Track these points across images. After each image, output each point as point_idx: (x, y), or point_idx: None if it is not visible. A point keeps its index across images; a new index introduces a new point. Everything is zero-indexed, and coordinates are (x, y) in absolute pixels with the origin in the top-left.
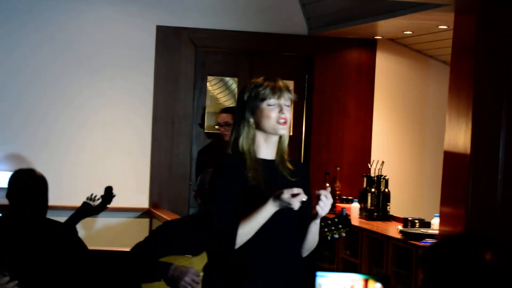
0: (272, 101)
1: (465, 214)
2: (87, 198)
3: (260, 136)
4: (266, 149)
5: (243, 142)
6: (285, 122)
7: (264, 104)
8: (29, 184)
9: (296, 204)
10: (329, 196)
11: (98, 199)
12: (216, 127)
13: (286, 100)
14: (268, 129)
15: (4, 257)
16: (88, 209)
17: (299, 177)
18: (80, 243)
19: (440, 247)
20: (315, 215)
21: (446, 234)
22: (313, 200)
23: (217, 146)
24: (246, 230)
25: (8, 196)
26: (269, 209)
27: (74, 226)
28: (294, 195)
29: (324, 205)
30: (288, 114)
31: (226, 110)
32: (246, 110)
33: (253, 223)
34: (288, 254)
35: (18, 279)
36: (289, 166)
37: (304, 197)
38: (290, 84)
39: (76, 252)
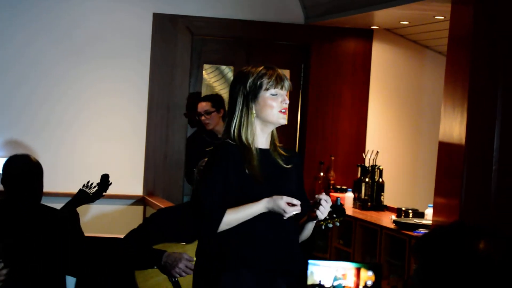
0: (276, 90)
1: (459, 204)
2: (83, 186)
3: (257, 125)
4: (262, 138)
5: (245, 131)
6: (285, 112)
7: (267, 94)
8: (24, 170)
9: (289, 214)
10: (329, 200)
11: (95, 186)
12: (197, 117)
13: (286, 90)
14: (269, 118)
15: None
16: (84, 197)
17: (293, 164)
18: (77, 230)
19: (433, 237)
20: (314, 217)
21: (439, 224)
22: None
23: (200, 136)
24: (231, 219)
25: (2, 181)
26: (260, 208)
27: (74, 212)
28: (291, 204)
29: (324, 210)
30: (288, 103)
31: (205, 98)
32: (250, 99)
33: (240, 215)
34: (281, 243)
35: (11, 265)
36: (283, 153)
37: (298, 210)
38: (286, 73)
39: (70, 238)
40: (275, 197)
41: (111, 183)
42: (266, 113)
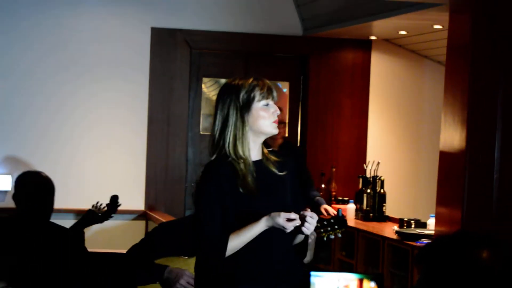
0: (268, 101)
1: (461, 214)
2: (93, 206)
3: (250, 137)
4: (254, 150)
5: (241, 145)
6: (277, 121)
7: (260, 105)
8: (36, 186)
9: (290, 228)
10: (315, 216)
11: (104, 207)
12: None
13: (275, 100)
14: (263, 129)
15: (6, 260)
16: (93, 217)
17: (287, 168)
18: (82, 248)
19: (436, 246)
20: (301, 232)
21: (442, 234)
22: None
23: None
24: (235, 244)
25: (14, 198)
26: (261, 227)
27: (81, 232)
28: (289, 220)
29: (310, 225)
30: None
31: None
32: (244, 111)
33: (243, 238)
34: (281, 256)
35: (17, 282)
36: (274, 158)
37: (298, 223)
38: (286, 85)
39: (76, 257)
40: (273, 214)
41: (120, 204)
42: (259, 124)
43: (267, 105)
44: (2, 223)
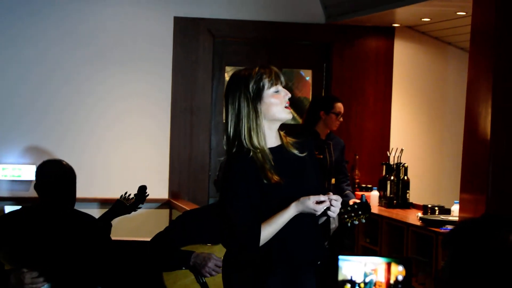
0: (277, 87)
1: (485, 200)
2: (121, 197)
3: (265, 126)
4: (271, 137)
5: (257, 135)
6: (289, 106)
7: (270, 92)
8: (58, 175)
9: (320, 211)
10: (339, 198)
11: (132, 198)
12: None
13: (283, 84)
14: (277, 116)
15: (32, 249)
16: (121, 208)
17: (307, 149)
18: (108, 239)
19: (464, 229)
20: (325, 215)
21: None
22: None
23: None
24: (268, 233)
25: (36, 187)
26: (291, 213)
27: (108, 223)
28: (319, 203)
29: (336, 208)
30: None
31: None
32: (256, 100)
33: (275, 226)
34: (311, 241)
35: (44, 270)
36: (292, 140)
37: (327, 204)
38: (308, 73)
39: (102, 246)
40: (302, 199)
41: (148, 195)
42: (272, 112)
43: (277, 91)
44: (27, 212)
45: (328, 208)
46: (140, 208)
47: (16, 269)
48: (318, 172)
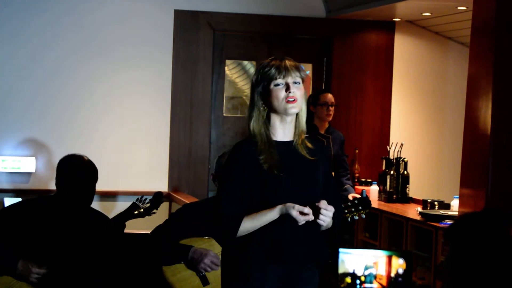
0: (279, 80)
1: (485, 195)
2: (137, 200)
3: (275, 118)
4: (283, 131)
5: (253, 125)
6: (294, 100)
7: (271, 85)
8: (82, 170)
9: (301, 222)
10: (330, 208)
11: (147, 202)
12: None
13: (293, 78)
14: (279, 109)
15: (46, 243)
16: (134, 211)
17: (319, 156)
18: (121, 241)
19: (465, 222)
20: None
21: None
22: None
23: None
24: (248, 227)
25: (58, 180)
26: (274, 215)
27: (122, 224)
28: (302, 214)
29: (325, 218)
30: (298, 91)
31: (329, 91)
32: (256, 92)
33: (256, 223)
34: (302, 238)
35: (53, 266)
36: (308, 144)
37: (310, 218)
38: (308, 67)
39: (114, 248)
40: (288, 205)
41: (163, 201)
42: (274, 105)
43: (277, 85)
44: (41, 203)
45: (317, 217)
46: (154, 213)
47: (26, 258)
48: (328, 182)
